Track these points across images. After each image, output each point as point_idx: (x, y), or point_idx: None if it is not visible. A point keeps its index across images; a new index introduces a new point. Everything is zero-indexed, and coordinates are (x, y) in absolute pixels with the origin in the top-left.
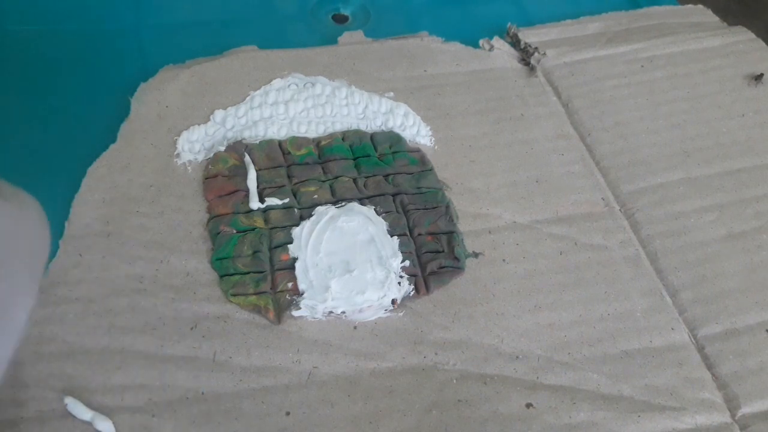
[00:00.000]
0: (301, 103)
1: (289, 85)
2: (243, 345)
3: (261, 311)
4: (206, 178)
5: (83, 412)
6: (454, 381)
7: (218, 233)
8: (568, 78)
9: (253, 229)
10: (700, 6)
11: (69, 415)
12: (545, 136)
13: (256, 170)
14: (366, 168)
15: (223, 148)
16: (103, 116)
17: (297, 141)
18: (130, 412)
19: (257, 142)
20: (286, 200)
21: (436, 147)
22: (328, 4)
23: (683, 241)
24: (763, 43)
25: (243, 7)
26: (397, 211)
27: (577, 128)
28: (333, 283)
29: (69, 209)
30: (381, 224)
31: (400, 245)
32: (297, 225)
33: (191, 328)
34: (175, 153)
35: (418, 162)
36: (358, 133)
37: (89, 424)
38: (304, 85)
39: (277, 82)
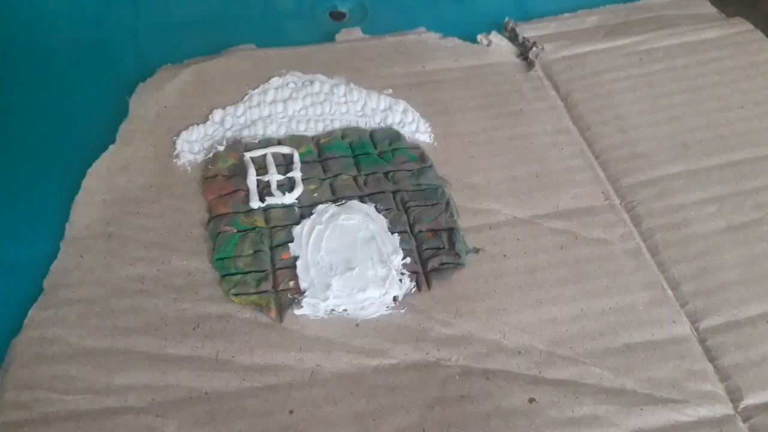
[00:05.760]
0: (299, 101)
1: (287, 84)
2: (245, 344)
3: (263, 310)
4: (206, 178)
5: None
6: (457, 377)
7: (219, 233)
8: (566, 72)
9: (254, 229)
10: None
11: (73, 417)
12: (544, 131)
13: (255, 170)
14: (366, 165)
15: (222, 148)
16: (101, 117)
17: (296, 139)
18: (134, 413)
19: (256, 141)
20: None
21: (435, 143)
22: (326, 1)
23: (684, 233)
24: (761, 34)
25: (240, 5)
26: (398, 208)
27: (576, 122)
28: (334, 281)
29: (69, 211)
30: (381, 221)
31: (401, 242)
32: (297, 223)
33: (193, 328)
34: (175, 153)
35: (418, 159)
36: (357, 130)
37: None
38: (302, 83)
39: (275, 81)
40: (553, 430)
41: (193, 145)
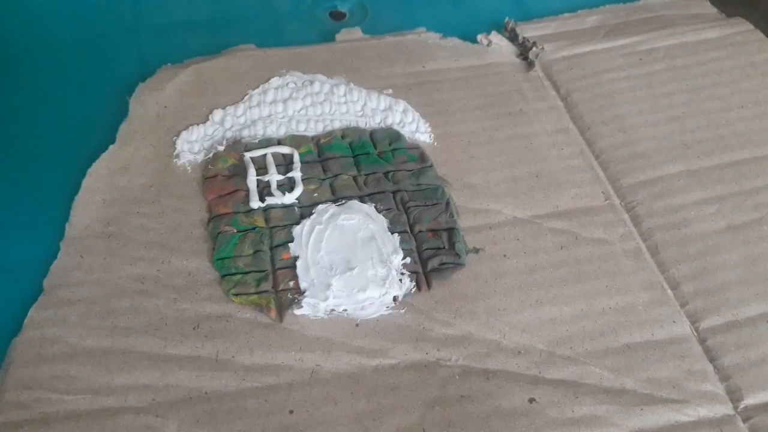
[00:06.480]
0: (299, 101)
1: (287, 84)
2: (245, 344)
3: (263, 310)
4: (206, 178)
5: None
6: (457, 377)
7: (219, 233)
8: (566, 72)
9: (254, 228)
10: None
11: (73, 417)
12: (544, 131)
13: (255, 170)
14: (366, 165)
15: (222, 148)
16: (101, 117)
17: (296, 139)
18: (134, 413)
19: (256, 141)
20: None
21: (435, 143)
22: (326, 1)
23: (684, 233)
24: (761, 34)
25: (240, 5)
26: (398, 208)
27: (576, 122)
28: (334, 281)
29: (69, 211)
30: (381, 221)
31: (401, 242)
32: (297, 223)
33: (194, 328)
34: (175, 153)
35: (418, 159)
36: (357, 130)
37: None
38: (302, 83)
39: (275, 81)
40: (553, 430)
41: (193, 145)
